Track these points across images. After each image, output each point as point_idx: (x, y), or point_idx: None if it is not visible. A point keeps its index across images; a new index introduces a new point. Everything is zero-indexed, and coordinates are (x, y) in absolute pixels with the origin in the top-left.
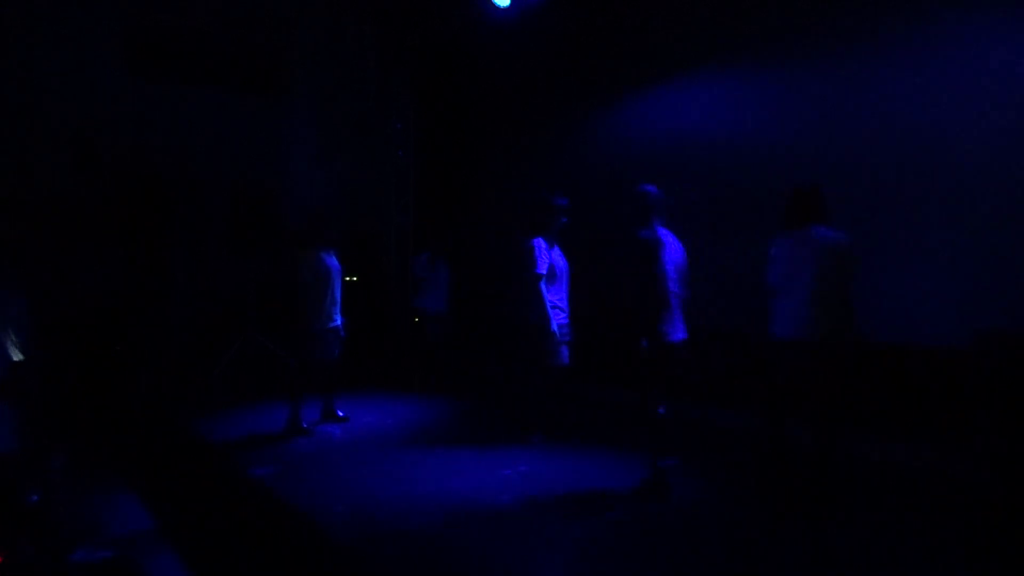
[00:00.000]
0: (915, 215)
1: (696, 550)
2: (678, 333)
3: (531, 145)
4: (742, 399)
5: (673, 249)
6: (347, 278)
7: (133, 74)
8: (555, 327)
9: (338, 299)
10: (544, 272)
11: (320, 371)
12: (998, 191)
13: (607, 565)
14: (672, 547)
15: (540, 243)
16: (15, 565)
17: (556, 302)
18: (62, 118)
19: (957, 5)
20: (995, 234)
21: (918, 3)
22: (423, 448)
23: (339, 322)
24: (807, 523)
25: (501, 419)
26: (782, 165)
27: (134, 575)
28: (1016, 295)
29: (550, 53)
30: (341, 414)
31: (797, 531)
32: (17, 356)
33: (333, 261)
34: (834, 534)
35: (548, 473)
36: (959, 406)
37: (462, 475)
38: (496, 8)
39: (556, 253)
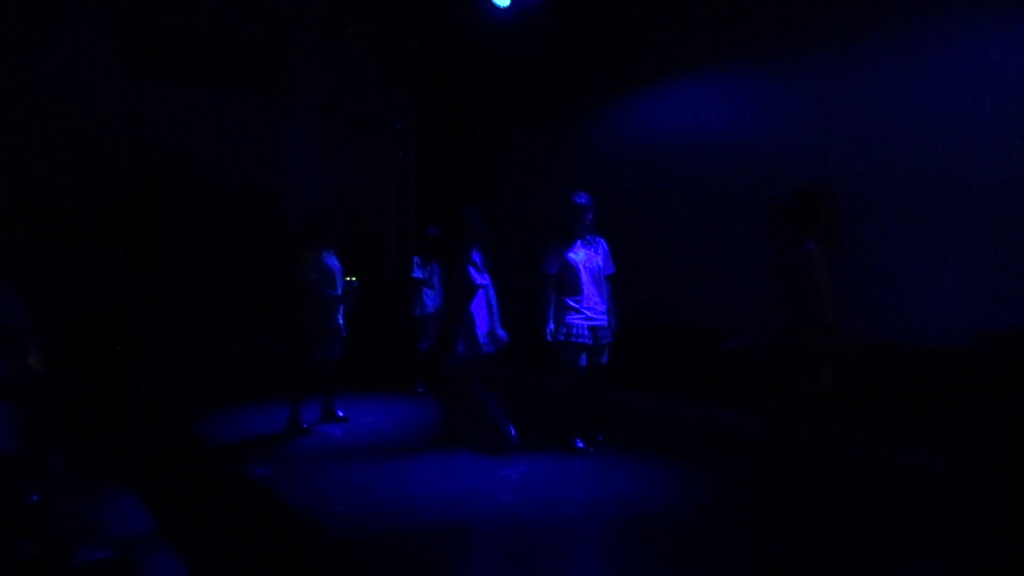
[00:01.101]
0: (916, 214)
1: (697, 550)
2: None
3: (531, 145)
4: (742, 399)
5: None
6: (347, 278)
7: (133, 74)
8: (552, 326)
9: (340, 299)
10: (553, 271)
11: (320, 371)
12: (999, 191)
13: (604, 566)
14: (674, 547)
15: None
16: (15, 565)
17: (570, 303)
18: (62, 118)
19: (958, 4)
20: (996, 234)
21: (918, 3)
22: (423, 448)
23: (341, 322)
24: (806, 523)
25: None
26: (782, 165)
27: (134, 575)
28: (1016, 295)
29: (550, 53)
30: (341, 414)
31: (796, 531)
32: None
33: (334, 261)
34: (833, 534)
35: (548, 473)
36: (959, 406)
37: (462, 475)
38: (496, 8)
39: (584, 253)
